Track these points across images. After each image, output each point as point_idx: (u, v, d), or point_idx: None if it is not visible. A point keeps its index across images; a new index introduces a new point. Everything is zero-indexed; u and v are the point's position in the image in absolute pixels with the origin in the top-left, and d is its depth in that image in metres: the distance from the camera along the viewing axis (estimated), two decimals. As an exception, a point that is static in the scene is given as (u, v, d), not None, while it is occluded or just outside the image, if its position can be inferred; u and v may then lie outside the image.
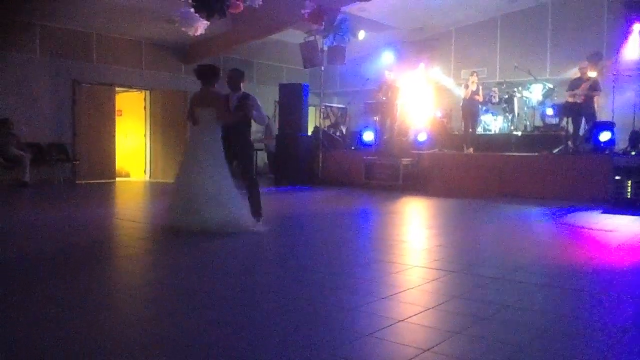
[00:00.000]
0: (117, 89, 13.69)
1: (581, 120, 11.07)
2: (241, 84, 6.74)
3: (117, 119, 13.83)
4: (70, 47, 12.62)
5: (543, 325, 3.30)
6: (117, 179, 13.61)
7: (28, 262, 4.84)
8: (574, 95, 10.88)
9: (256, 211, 6.55)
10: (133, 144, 14.76)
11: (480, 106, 12.43)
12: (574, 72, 12.06)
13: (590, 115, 10.92)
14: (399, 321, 3.30)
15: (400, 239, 6.54)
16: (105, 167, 13.27)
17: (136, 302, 3.80)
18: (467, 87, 12.17)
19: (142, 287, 4.25)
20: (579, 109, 10.87)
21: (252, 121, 6.70)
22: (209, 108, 6.26)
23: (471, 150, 11.89)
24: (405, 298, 3.85)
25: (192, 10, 8.75)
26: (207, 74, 6.41)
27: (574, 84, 11.03)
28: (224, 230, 5.96)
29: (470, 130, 12.38)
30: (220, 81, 6.56)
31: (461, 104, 12.43)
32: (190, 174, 6.21)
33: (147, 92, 14.34)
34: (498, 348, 2.93)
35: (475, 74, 12.19)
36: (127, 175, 14.72)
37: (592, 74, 11.05)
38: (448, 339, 3.02)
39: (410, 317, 3.39)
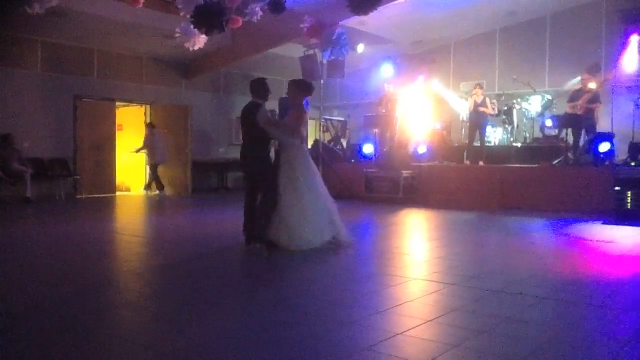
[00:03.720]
0: (117, 103, 13.76)
1: (581, 132, 11.09)
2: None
3: (118, 134, 13.89)
4: (71, 63, 12.70)
5: (543, 337, 3.28)
6: (118, 193, 13.65)
7: (35, 278, 4.84)
8: (574, 107, 10.93)
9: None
10: (133, 159, 14.79)
11: (487, 118, 12.36)
12: (573, 84, 12.13)
13: (591, 126, 10.94)
14: (397, 334, 3.29)
15: (400, 251, 6.53)
16: (105, 181, 13.31)
17: (141, 315, 3.80)
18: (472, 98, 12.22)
19: (145, 299, 4.25)
20: (579, 120, 10.90)
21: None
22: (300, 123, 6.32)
23: (481, 162, 11.83)
24: (404, 311, 3.84)
25: (191, 25, 8.80)
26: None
27: (575, 95, 11.09)
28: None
29: (478, 142, 12.36)
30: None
31: (468, 116, 12.54)
32: (313, 190, 6.22)
33: (148, 107, 14.39)
34: (497, 361, 2.92)
35: (478, 87, 12.22)
36: (128, 190, 14.74)
37: (591, 85, 11.10)
38: (446, 352, 3.01)
39: (408, 330, 3.38)
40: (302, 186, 6.09)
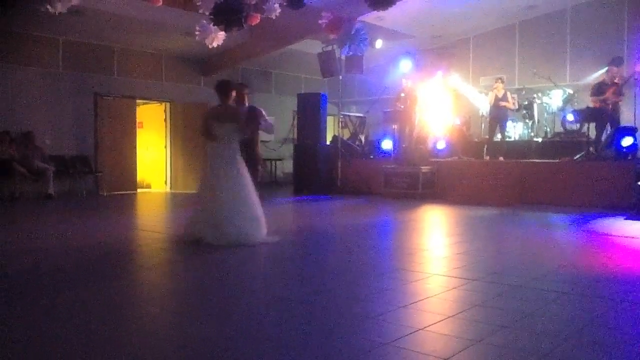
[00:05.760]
0: (137, 101, 13.90)
1: (605, 126, 10.92)
2: (245, 97, 6.79)
3: (138, 131, 14.06)
4: (91, 61, 12.85)
5: (565, 333, 3.25)
6: (139, 190, 13.79)
7: (54, 271, 4.91)
8: (603, 101, 10.71)
9: None
10: (154, 156, 14.94)
11: (507, 113, 12.27)
12: (594, 78, 11.95)
13: (616, 120, 10.78)
14: (419, 330, 3.28)
15: (420, 247, 6.51)
16: (126, 178, 13.47)
17: (160, 311, 3.83)
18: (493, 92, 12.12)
19: (163, 297, 4.28)
20: (604, 115, 10.73)
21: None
22: (230, 123, 6.32)
23: (501, 158, 11.75)
24: (425, 306, 3.83)
25: (211, 23, 8.86)
26: (225, 88, 6.47)
27: (599, 89, 10.88)
28: (241, 243, 6.01)
29: (498, 137, 12.27)
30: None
31: (488, 111, 12.45)
32: (214, 189, 6.25)
33: (167, 104, 14.51)
34: (519, 357, 2.89)
35: (499, 80, 12.13)
36: (148, 187, 14.89)
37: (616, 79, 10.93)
38: (468, 347, 3.00)
39: (430, 325, 3.37)
40: (210, 184, 6.31)
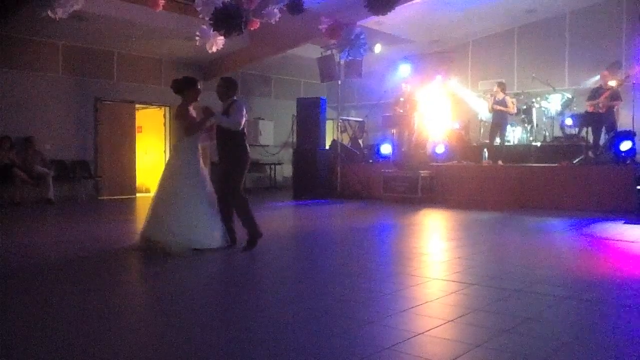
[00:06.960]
0: (137, 105, 13.92)
1: (602, 130, 10.98)
2: (228, 93, 6.48)
3: (137, 136, 14.06)
4: (92, 66, 12.88)
5: (565, 337, 3.27)
6: (138, 194, 13.79)
7: (49, 274, 4.92)
8: (595, 105, 10.80)
9: (250, 235, 6.10)
10: (153, 160, 14.94)
11: (506, 117, 12.27)
12: (593, 82, 12.00)
13: (611, 124, 10.83)
14: (419, 334, 3.30)
15: (420, 251, 6.52)
16: (126, 183, 13.48)
17: (158, 314, 3.84)
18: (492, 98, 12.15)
19: (162, 299, 4.29)
20: (599, 119, 10.80)
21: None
22: (176, 121, 6.38)
23: (500, 162, 11.76)
24: (425, 311, 3.84)
25: (211, 28, 8.89)
26: (179, 87, 6.40)
27: (594, 94, 10.97)
28: (165, 251, 5.75)
29: (498, 141, 12.29)
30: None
31: (491, 116, 12.49)
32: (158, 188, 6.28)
33: (167, 109, 14.53)
34: (519, 361, 2.91)
35: (497, 85, 12.15)
36: (148, 191, 14.85)
37: (612, 83, 10.97)
38: (469, 351, 3.01)
39: (430, 330, 3.38)
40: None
